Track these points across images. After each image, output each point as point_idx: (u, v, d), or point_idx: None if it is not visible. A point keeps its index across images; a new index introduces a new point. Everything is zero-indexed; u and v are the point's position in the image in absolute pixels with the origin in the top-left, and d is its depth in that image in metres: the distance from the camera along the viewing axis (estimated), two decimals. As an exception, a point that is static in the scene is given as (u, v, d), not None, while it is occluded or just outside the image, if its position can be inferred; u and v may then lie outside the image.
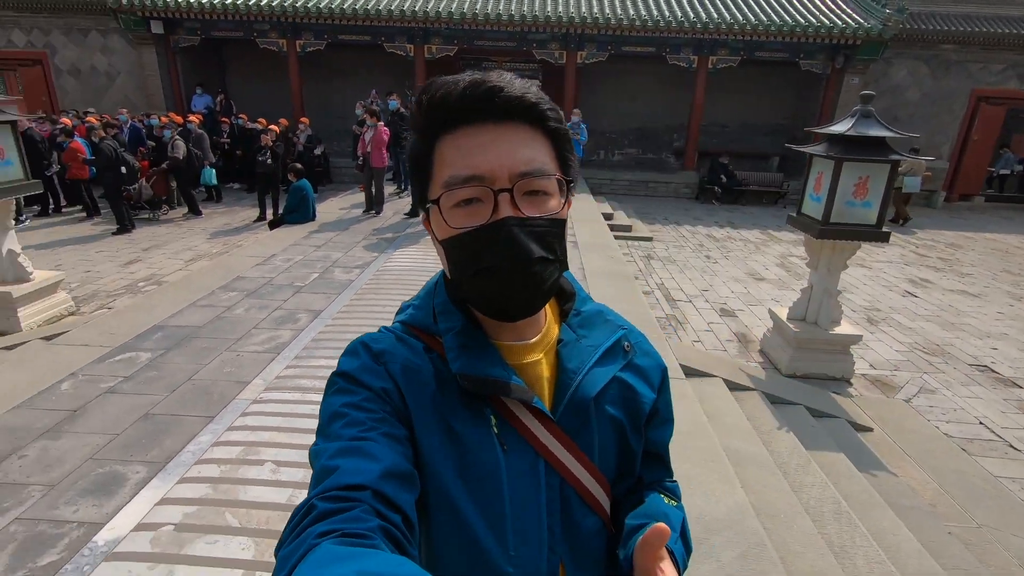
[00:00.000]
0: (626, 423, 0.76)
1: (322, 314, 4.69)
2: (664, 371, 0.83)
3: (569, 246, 7.41)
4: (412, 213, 8.66)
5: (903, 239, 10.50)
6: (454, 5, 12.65)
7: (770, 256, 8.92)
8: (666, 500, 0.80)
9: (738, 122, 15.03)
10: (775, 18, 12.18)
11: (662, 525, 0.61)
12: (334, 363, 0.72)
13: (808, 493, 3.10)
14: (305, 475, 2.66)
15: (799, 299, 4.94)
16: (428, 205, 0.68)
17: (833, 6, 12.67)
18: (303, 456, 2.75)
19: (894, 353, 5.48)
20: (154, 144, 10.18)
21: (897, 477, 3.56)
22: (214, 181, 10.51)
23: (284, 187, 8.96)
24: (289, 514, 0.63)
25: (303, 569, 0.46)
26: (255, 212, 9.54)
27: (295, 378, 3.61)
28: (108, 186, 8.42)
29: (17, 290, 4.85)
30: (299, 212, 8.24)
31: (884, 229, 4.41)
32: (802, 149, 4.73)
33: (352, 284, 5.48)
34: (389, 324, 0.78)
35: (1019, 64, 13.45)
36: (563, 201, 0.67)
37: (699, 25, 12.05)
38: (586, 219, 8.76)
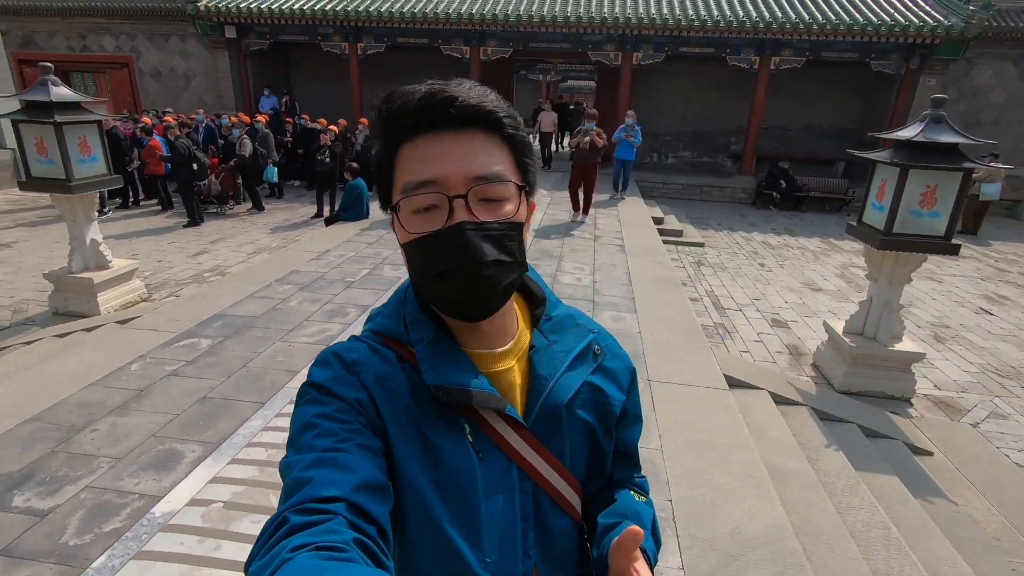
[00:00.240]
0: (597, 426, 0.78)
1: (370, 309, 4.84)
2: (633, 372, 0.85)
3: (615, 250, 7.31)
4: None
5: (980, 251, 9.79)
6: (510, 7, 12.75)
7: (829, 266, 8.53)
8: (636, 497, 0.83)
9: (800, 125, 14.42)
10: (845, 17, 11.60)
11: (636, 528, 0.63)
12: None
13: (855, 516, 2.96)
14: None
15: (857, 312, 4.71)
16: (389, 210, 0.69)
17: (910, 3, 11.95)
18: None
19: (962, 374, 5.13)
20: (223, 142, 10.78)
21: (957, 506, 3.34)
22: (276, 179, 11.03)
23: (341, 185, 9.30)
24: None
25: None
26: (313, 209, 9.95)
27: (341, 370, 3.75)
28: (181, 181, 8.99)
29: (98, 276, 5.26)
30: (353, 210, 8.52)
31: (954, 241, 4.15)
32: (864, 155, 4.50)
33: (400, 281, 5.63)
34: None
35: (1124, 64, 12.28)
36: (520, 205, 0.68)
37: (762, 25, 11.64)
38: (634, 223, 8.63)
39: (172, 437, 2.98)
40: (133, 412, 3.20)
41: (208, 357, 3.88)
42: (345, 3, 12.98)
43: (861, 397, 4.48)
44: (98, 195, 6.14)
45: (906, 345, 4.54)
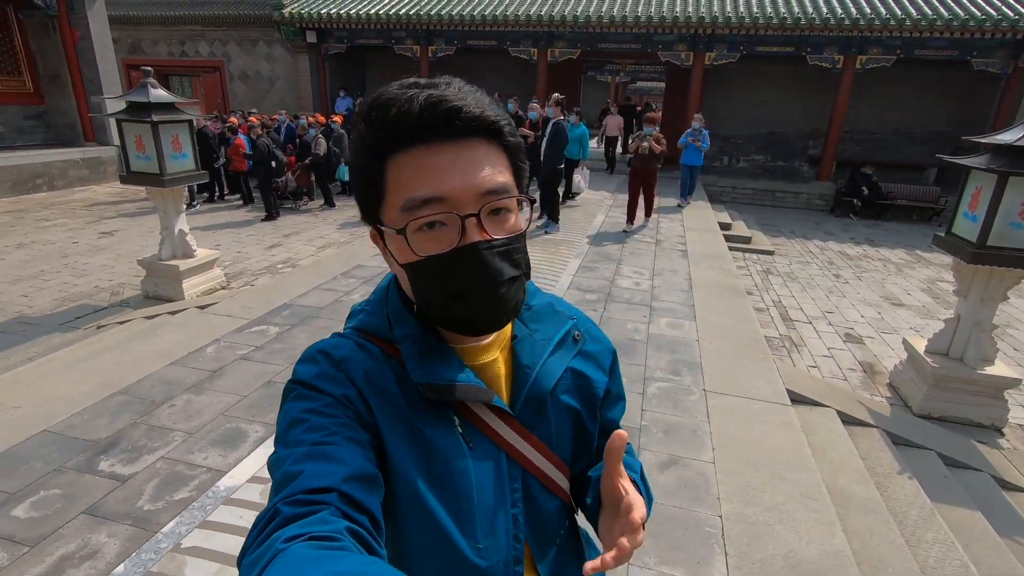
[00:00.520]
0: (582, 410, 0.80)
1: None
2: (614, 353, 0.87)
3: (677, 255, 7.10)
4: (548, 217, 7.79)
5: (1096, 270, 8.77)
6: (579, 8, 12.68)
7: (914, 280, 7.91)
8: None
9: (888, 129, 13.46)
10: (942, 11, 10.73)
11: (621, 431, 0.63)
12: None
13: (927, 551, 2.73)
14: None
15: (942, 330, 4.34)
16: (384, 229, 0.66)
17: (1021, -5, 10.91)
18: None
19: (1066, 404, 4.62)
20: (299, 141, 11.37)
21: (1051, 550, 3.01)
22: (348, 177, 11.49)
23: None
24: None
25: (273, 574, 0.45)
26: (380, 206, 10.28)
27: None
28: (260, 178, 9.56)
29: (183, 264, 5.68)
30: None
31: (1060, 257, 3.74)
32: (957, 160, 4.15)
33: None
34: None
35: None
36: (522, 215, 0.68)
37: (848, 22, 10.97)
38: (699, 228, 8.37)
39: (239, 417, 3.18)
40: (206, 391, 3.44)
41: (275, 343, 4.11)
42: (418, 7, 13.38)
43: (942, 423, 4.13)
44: (187, 189, 6.62)
45: (999, 369, 4.14)
